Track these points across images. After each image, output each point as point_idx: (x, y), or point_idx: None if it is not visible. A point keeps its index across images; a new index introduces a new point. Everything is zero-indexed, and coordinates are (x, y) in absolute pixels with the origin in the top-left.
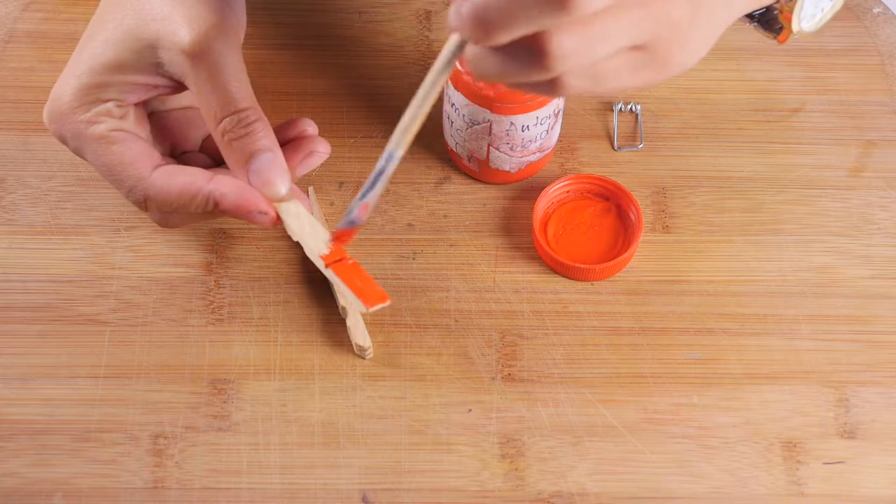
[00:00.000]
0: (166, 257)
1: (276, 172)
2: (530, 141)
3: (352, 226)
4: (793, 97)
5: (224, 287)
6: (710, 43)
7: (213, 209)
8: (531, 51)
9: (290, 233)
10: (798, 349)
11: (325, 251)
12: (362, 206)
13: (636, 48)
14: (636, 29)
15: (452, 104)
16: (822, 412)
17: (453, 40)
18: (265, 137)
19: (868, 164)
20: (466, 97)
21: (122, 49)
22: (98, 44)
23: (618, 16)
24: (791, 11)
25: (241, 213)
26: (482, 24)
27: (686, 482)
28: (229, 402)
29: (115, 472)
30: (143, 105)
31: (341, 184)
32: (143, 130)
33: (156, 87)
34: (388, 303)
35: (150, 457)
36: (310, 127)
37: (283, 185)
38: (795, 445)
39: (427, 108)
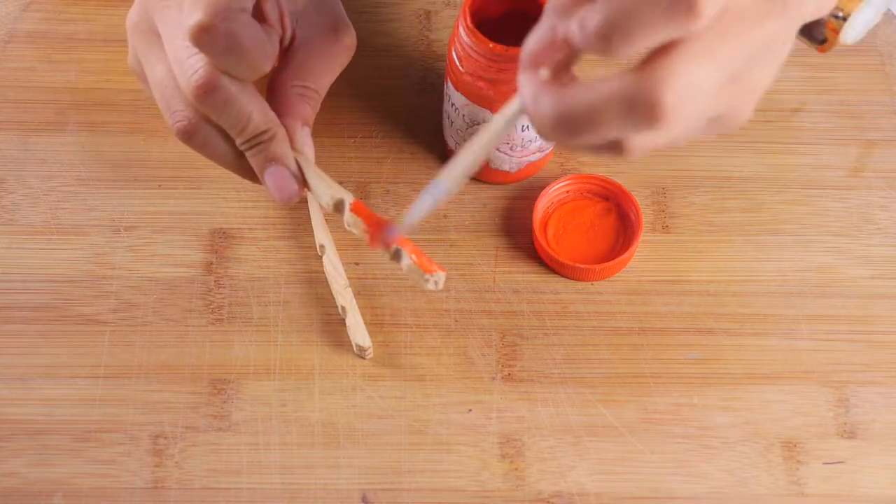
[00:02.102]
0: (166, 257)
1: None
2: (530, 141)
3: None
4: (793, 97)
5: (224, 287)
6: None
7: (251, 148)
8: (609, 145)
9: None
10: (798, 349)
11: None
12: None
13: (710, 120)
14: (720, 109)
15: (452, 104)
16: (822, 412)
17: (517, 105)
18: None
19: (868, 164)
20: (466, 97)
21: None
22: None
23: (705, 106)
24: (839, 29)
25: (269, 190)
26: (563, 128)
27: (686, 482)
28: (229, 402)
29: (115, 472)
30: None
31: (341, 183)
32: None
33: None
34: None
35: (150, 457)
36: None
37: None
38: (795, 445)
39: (482, 156)
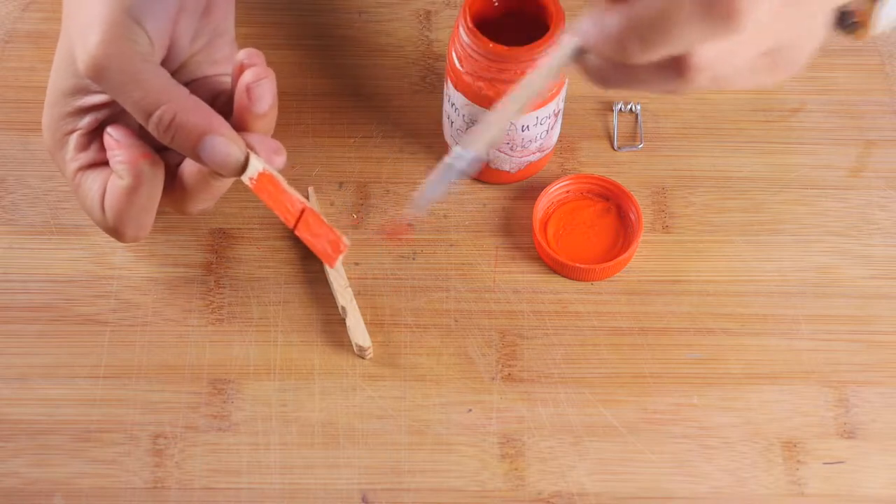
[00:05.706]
0: (166, 257)
1: (225, 150)
2: (530, 141)
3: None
4: (793, 97)
5: (224, 287)
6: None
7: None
8: (672, 65)
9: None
10: (798, 349)
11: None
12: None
13: (768, 53)
14: (779, 36)
15: (452, 104)
16: (821, 412)
17: (569, 46)
18: (193, 125)
19: (868, 164)
20: (466, 97)
21: (65, 74)
22: (53, 72)
23: (769, 24)
24: (868, 14)
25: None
26: (633, 43)
27: (686, 482)
28: (229, 402)
29: (115, 472)
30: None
31: (341, 184)
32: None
33: (106, 105)
34: (345, 249)
35: (150, 457)
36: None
37: (238, 153)
38: (795, 445)
39: (519, 114)
